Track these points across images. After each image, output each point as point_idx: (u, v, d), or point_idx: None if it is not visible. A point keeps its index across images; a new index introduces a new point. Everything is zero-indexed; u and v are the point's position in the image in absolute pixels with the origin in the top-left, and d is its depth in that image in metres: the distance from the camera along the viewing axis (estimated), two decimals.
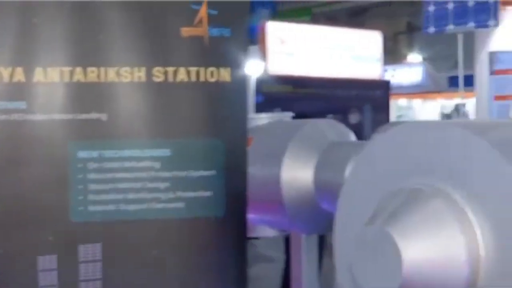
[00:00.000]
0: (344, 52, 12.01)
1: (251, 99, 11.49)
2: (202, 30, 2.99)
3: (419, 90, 16.33)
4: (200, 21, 2.98)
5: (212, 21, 3.01)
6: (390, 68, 16.01)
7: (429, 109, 16.53)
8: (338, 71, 11.93)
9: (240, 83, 3.18)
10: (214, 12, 2.99)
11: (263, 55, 11.77)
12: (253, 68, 11.86)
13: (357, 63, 11.69)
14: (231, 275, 3.22)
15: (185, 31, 2.99)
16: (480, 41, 7.30)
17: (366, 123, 11.70)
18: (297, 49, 11.90)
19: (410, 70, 16.78)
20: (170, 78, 3.02)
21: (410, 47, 20.04)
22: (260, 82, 11.57)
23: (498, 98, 7.07)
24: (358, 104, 11.86)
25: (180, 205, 3.08)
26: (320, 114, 9.62)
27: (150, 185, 3.05)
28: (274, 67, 11.52)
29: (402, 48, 20.32)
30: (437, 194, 1.72)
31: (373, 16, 20.48)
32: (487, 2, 3.68)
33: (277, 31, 11.94)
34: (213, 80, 3.05)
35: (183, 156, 3.08)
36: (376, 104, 12.05)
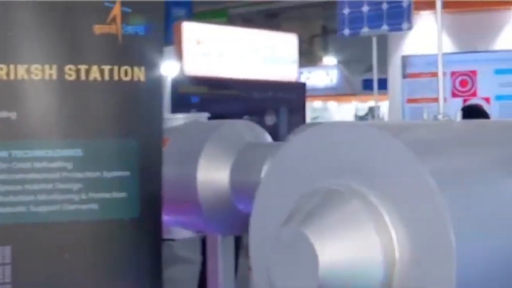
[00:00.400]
0: (260, 54, 12.05)
1: (167, 99, 11.48)
2: (116, 28, 2.95)
3: (334, 93, 16.57)
4: (114, 19, 2.93)
5: (126, 19, 2.96)
6: (305, 70, 16.19)
7: (344, 111, 16.80)
8: (254, 73, 11.96)
9: (155, 82, 3.15)
10: (128, 10, 2.95)
11: (179, 55, 11.70)
12: (169, 69, 11.81)
13: (273, 65, 11.75)
14: (146, 277, 3.18)
15: (98, 29, 2.94)
16: (393, 44, 7.45)
17: (282, 125, 11.78)
18: (213, 50, 11.89)
19: (326, 72, 17.02)
20: (83, 77, 2.96)
21: (325, 50, 20.31)
22: (176, 83, 11.53)
23: (410, 101, 7.24)
24: (274, 106, 11.92)
25: (94, 206, 3.02)
26: (236, 115, 9.66)
27: (62, 186, 2.98)
28: (190, 68, 11.48)
29: (318, 51, 20.59)
30: (353, 195, 1.71)
31: (289, 19, 20.66)
32: (400, 6, 3.72)
33: (193, 32, 11.89)
34: (127, 79, 3.00)
35: (96, 156, 3.03)
36: (292, 106, 12.14)
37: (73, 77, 2.95)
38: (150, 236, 3.14)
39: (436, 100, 7.09)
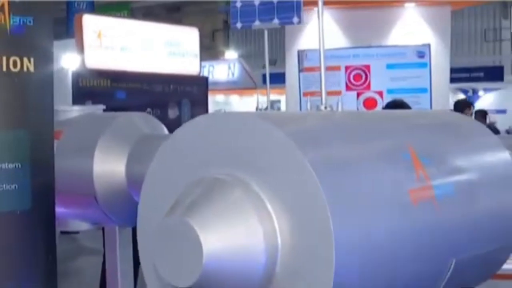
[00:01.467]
0: (162, 48, 11.98)
1: (69, 92, 11.30)
2: (4, 17, 2.89)
3: (236, 86, 16.66)
4: (2, 8, 2.87)
5: (14, 9, 2.91)
6: (208, 64, 16.20)
7: (246, 105, 16.90)
8: (156, 67, 11.90)
9: (45, 73, 3.12)
10: (15, 1, 2.90)
11: (80, 48, 11.53)
12: (70, 62, 11.63)
13: (175, 59, 11.71)
14: (39, 270, 3.14)
15: None
16: (290, 39, 7.55)
17: (185, 118, 11.74)
18: (115, 44, 11.74)
19: (227, 66, 17.10)
20: None
21: (227, 44, 20.41)
22: (78, 76, 11.36)
23: (306, 94, 7.32)
24: (177, 99, 11.90)
25: None
26: (138, 108, 9.56)
27: None
28: (92, 61, 11.31)
29: (220, 45, 20.65)
30: (236, 184, 1.73)
31: (191, 13, 20.66)
32: (291, 0, 3.78)
33: (94, 25, 11.71)
34: (16, 70, 2.95)
35: None
36: (194, 99, 12.14)
37: None
38: (43, 228, 3.10)
39: (332, 93, 7.24)
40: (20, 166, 3.01)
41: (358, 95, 7.13)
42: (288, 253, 1.70)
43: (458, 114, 2.76)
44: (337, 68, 7.25)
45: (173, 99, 11.60)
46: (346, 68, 7.34)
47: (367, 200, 1.78)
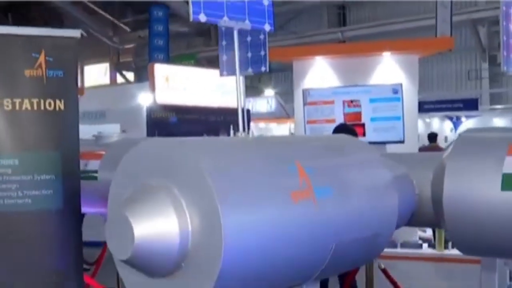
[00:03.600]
0: (215, 88, 12.18)
1: (143, 121, 11.56)
2: (42, 72, 3.02)
3: (273, 116, 16.66)
4: (40, 66, 3.01)
5: (50, 65, 3.03)
6: (252, 99, 16.28)
7: (281, 130, 16.85)
8: (210, 102, 12.10)
9: (72, 110, 3.21)
10: (50, 59, 3.02)
11: (152, 89, 11.82)
12: (144, 99, 11.91)
13: (224, 96, 11.86)
14: (70, 253, 3.23)
15: (28, 73, 3.01)
16: (297, 81, 7.61)
17: None
18: (178, 85, 12.01)
19: (266, 101, 17.11)
20: (17, 107, 3.04)
21: (270, 84, 20.40)
22: (150, 110, 11.64)
23: (309, 122, 7.37)
24: (225, 126, 12.02)
25: (27, 200, 3.08)
26: (197, 134, 9.77)
27: (3, 186, 3.04)
28: (161, 99, 11.58)
29: (263, 85, 20.64)
30: (162, 188, 1.88)
31: None
32: (259, 55, 3.71)
33: (162, 71, 12.03)
34: (51, 108, 3.08)
35: (29, 164, 3.08)
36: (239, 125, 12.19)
37: (10, 108, 3.03)
38: (72, 223, 3.21)
39: (327, 121, 7.32)
40: (54, 177, 3.14)
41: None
42: (196, 236, 1.84)
43: (347, 137, 2.78)
44: (331, 102, 7.25)
45: (223, 126, 11.76)
46: (343, 101, 7.30)
47: (253, 199, 1.90)
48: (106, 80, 21.41)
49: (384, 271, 4.70)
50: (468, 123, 14.30)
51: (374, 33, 17.67)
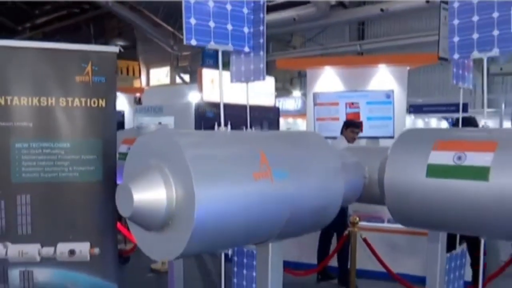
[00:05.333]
0: (251, 89, 12.27)
1: (192, 115, 11.80)
2: (89, 78, 3.23)
3: (299, 113, 16.66)
4: (87, 73, 3.21)
5: (95, 73, 3.24)
6: (282, 99, 16.36)
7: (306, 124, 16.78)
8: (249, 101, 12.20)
9: (112, 107, 3.39)
10: (96, 68, 3.22)
11: (200, 89, 12.05)
12: (194, 97, 12.15)
13: (259, 96, 12.02)
14: (107, 219, 3.36)
15: (78, 78, 3.22)
16: (309, 86, 7.75)
17: None
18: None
19: (294, 100, 17.13)
20: (70, 104, 3.26)
21: (300, 87, 20.34)
22: (198, 106, 11.89)
23: (318, 119, 7.52)
24: (260, 121, 12.19)
25: (76, 174, 3.29)
26: (237, 126, 10.00)
27: (58, 162, 3.26)
28: (207, 97, 11.78)
29: (291, 87, 20.60)
30: (157, 167, 2.06)
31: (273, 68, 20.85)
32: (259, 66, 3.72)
33: (208, 74, 12.22)
34: (95, 105, 3.29)
35: (78, 147, 3.29)
36: (270, 121, 12.39)
37: (64, 104, 3.25)
38: (110, 193, 3.27)
39: (333, 119, 7.46)
40: (96, 157, 3.34)
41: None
42: (178, 202, 2.01)
43: (313, 134, 2.82)
44: (336, 103, 7.37)
45: (257, 121, 11.94)
46: (346, 103, 7.41)
47: (222, 176, 2.06)
48: (167, 80, 21.74)
49: (365, 240, 4.88)
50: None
51: (388, 46, 17.50)
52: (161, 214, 2.03)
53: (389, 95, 6.99)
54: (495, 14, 2.55)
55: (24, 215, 3.20)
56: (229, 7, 2.54)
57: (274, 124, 12.37)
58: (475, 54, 2.70)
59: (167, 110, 13.57)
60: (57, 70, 3.24)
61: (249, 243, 2.38)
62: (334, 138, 5.73)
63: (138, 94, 13.83)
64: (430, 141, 2.63)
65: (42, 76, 3.23)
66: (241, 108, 12.01)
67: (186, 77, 22.43)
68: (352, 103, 7.31)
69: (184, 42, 2.31)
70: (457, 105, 14.39)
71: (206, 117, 11.74)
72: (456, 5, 2.74)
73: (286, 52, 20.28)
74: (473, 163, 2.41)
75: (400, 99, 7.03)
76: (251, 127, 2.87)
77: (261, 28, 3.74)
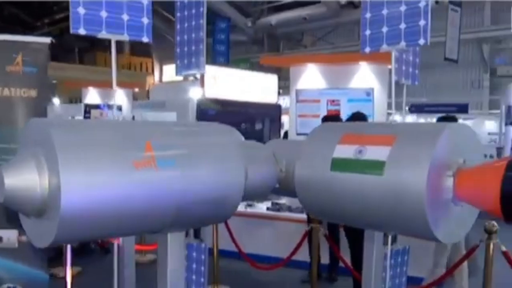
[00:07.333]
0: (254, 86, 12.28)
1: (194, 111, 11.82)
2: (20, 68, 3.22)
3: None
4: (18, 63, 3.20)
5: (25, 63, 3.23)
6: (283, 97, 16.23)
7: None
8: (250, 98, 12.23)
9: (42, 97, 3.38)
10: (27, 59, 3.22)
11: (202, 85, 12.04)
12: (195, 93, 12.16)
13: (262, 94, 12.00)
14: None
15: (8, 68, 3.22)
16: (292, 83, 7.67)
17: (266, 129, 12.00)
18: (224, 83, 12.18)
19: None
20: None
21: None
22: (200, 102, 11.90)
23: (300, 116, 7.45)
24: (262, 118, 12.15)
25: (2, 163, 3.17)
26: (237, 123, 9.96)
27: None
28: (209, 93, 11.78)
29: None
30: (33, 155, 1.98)
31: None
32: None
33: (211, 71, 12.22)
34: (25, 95, 3.28)
35: (7, 136, 3.26)
36: (272, 118, 12.35)
37: None
38: None
39: (313, 116, 7.35)
40: None
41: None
42: (51, 191, 1.92)
43: (216, 125, 2.68)
44: (318, 101, 7.29)
45: (259, 118, 11.88)
46: (327, 100, 7.34)
47: (95, 165, 1.96)
48: (180, 77, 21.91)
49: (326, 236, 4.80)
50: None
51: None
52: (34, 201, 1.96)
53: (369, 93, 6.87)
54: (403, 8, 2.46)
55: None
56: None
57: (276, 121, 12.30)
58: (384, 48, 2.60)
59: (169, 105, 13.64)
60: None
61: (135, 234, 2.31)
62: None
63: (136, 89, 13.91)
64: (337, 135, 2.56)
65: None
66: (239, 105, 11.80)
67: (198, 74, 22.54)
68: (333, 101, 7.22)
69: (71, 31, 2.25)
70: (458, 105, 14.19)
71: (207, 113, 11.76)
72: None
73: (297, 51, 20.18)
74: (371, 157, 2.34)
75: (380, 97, 6.90)
76: (253, 123, 2.77)
77: (201, 21, 3.70)
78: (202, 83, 12.05)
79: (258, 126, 11.87)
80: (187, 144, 2.36)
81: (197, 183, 2.30)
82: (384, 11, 2.52)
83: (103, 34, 2.42)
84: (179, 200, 2.22)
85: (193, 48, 3.72)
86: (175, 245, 2.47)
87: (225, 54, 19.52)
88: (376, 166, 2.30)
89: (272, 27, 19.96)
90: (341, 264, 4.94)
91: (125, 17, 2.46)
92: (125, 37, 2.50)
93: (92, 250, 6.33)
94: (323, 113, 7.11)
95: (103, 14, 2.39)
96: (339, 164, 2.45)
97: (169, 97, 14.48)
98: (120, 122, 2.44)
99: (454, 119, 5.19)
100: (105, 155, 2.03)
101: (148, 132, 2.29)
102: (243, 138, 2.72)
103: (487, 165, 2.15)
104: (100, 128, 2.22)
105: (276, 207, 6.37)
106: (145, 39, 2.54)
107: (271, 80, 12.50)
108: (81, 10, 2.32)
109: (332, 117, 5.81)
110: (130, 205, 2.08)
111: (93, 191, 1.97)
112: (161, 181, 2.15)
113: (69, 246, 3.71)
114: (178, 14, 3.76)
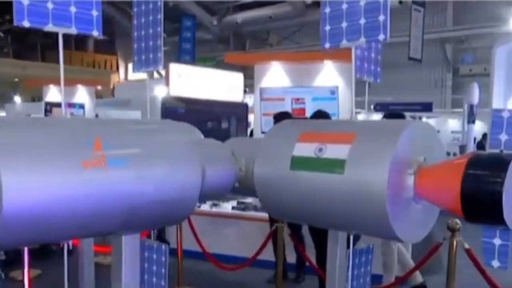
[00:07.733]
0: (220, 85, 12.19)
1: (158, 109, 11.67)
2: None
3: None
4: None
5: None
6: (249, 95, 16.20)
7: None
8: (215, 96, 12.13)
9: None
10: None
11: (167, 83, 11.90)
12: (161, 91, 12.00)
13: (228, 92, 11.91)
14: None
15: None
16: (256, 81, 7.62)
17: (232, 128, 11.95)
18: (189, 81, 12.03)
19: None
20: None
21: None
22: (164, 100, 11.75)
23: (265, 114, 7.39)
24: (228, 116, 12.08)
25: None
26: (203, 122, 9.84)
27: None
28: (174, 91, 11.63)
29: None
30: None
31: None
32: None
33: (176, 69, 12.07)
34: None
35: None
36: (239, 117, 12.30)
37: None
38: None
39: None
40: None
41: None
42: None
43: (170, 121, 2.63)
44: (282, 99, 7.25)
45: (225, 116, 11.80)
46: (292, 99, 7.31)
47: (37, 165, 1.84)
48: (145, 75, 21.64)
49: (290, 236, 4.76)
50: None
51: None
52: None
53: (333, 91, 6.86)
54: (362, 3, 2.40)
55: None
56: None
57: (243, 120, 12.24)
58: (344, 43, 2.54)
59: (134, 104, 13.43)
60: None
61: (85, 236, 2.21)
62: None
63: (99, 87, 13.64)
64: (296, 133, 2.50)
65: None
66: (205, 104, 11.69)
67: (163, 72, 22.39)
68: (298, 99, 7.19)
69: (14, 23, 2.11)
70: (423, 104, 14.44)
71: (172, 111, 11.61)
72: None
73: (263, 50, 20.16)
74: (331, 156, 2.27)
75: (345, 95, 6.89)
76: (219, 122, 2.67)
77: (158, 16, 3.58)
78: (167, 81, 11.91)
79: (224, 125, 11.78)
80: (140, 143, 2.27)
81: (151, 183, 2.20)
82: (344, 6, 2.46)
83: (49, 27, 2.28)
84: (131, 202, 2.13)
85: (151, 43, 3.61)
86: (130, 247, 2.38)
87: (191, 53, 19.40)
88: (336, 165, 2.24)
89: (238, 26, 19.90)
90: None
91: (72, 9, 2.32)
92: (73, 30, 2.37)
93: (53, 252, 6.14)
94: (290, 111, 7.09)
95: (49, 5, 2.25)
96: (299, 163, 2.39)
97: (134, 95, 14.28)
98: (68, 119, 2.33)
99: (402, 116, 5.08)
100: (50, 154, 1.93)
101: (99, 130, 2.19)
102: (202, 136, 2.61)
103: (447, 163, 2.12)
104: (45, 126, 2.12)
105: (242, 206, 6.30)
106: (95, 33, 2.41)
107: (237, 78, 12.41)
108: (25, 1, 2.17)
109: (283, 115, 5.62)
110: (78, 207, 1.99)
111: (38, 193, 1.86)
112: (111, 182, 2.06)
113: (26, 249, 3.59)
114: (135, 9, 3.64)
